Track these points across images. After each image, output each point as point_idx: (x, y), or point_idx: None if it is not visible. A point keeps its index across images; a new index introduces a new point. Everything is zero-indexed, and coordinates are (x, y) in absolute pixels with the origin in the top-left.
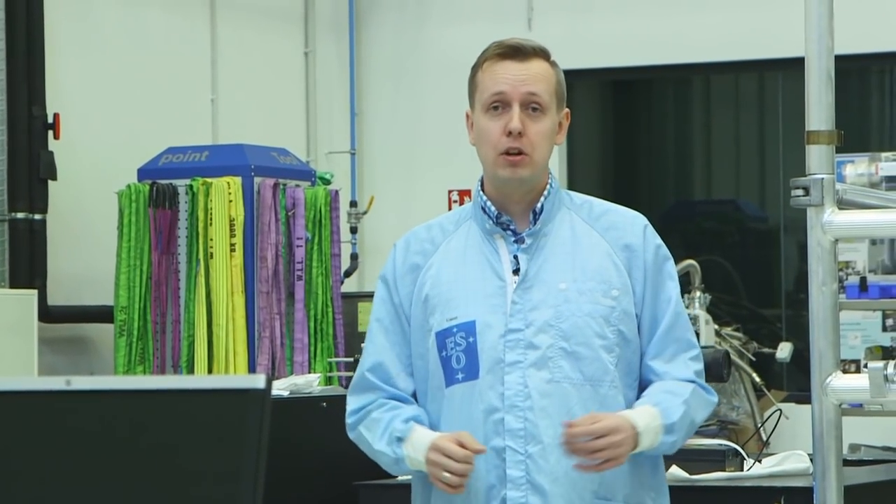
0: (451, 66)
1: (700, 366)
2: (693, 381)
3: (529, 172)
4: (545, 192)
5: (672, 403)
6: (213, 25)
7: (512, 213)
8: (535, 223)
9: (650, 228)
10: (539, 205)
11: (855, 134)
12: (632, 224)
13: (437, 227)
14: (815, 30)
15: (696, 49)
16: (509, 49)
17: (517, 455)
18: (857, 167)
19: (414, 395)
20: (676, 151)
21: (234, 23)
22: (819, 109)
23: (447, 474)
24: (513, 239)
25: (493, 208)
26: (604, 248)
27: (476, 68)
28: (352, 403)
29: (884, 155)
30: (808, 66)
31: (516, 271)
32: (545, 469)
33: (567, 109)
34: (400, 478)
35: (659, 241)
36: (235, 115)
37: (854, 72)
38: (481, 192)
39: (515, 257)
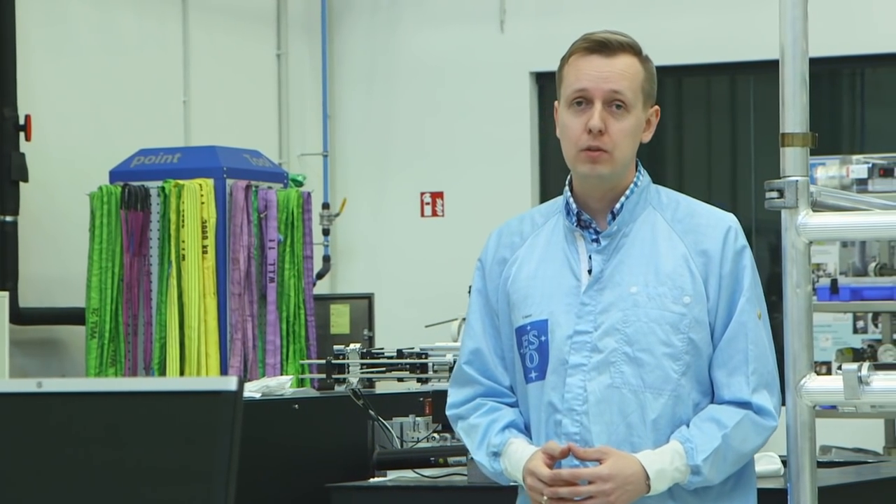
0: (423, 68)
1: (764, 380)
2: (748, 404)
3: (609, 170)
4: (627, 192)
5: (707, 438)
6: (186, 28)
7: (594, 210)
8: (612, 223)
9: (734, 233)
10: (619, 205)
11: (825, 136)
12: (714, 228)
13: (529, 220)
14: (790, 33)
15: (667, 52)
16: (596, 44)
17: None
18: (829, 170)
19: (511, 388)
20: (648, 154)
21: (206, 25)
22: (794, 112)
23: (545, 498)
24: (591, 238)
25: (574, 206)
26: (681, 251)
27: (563, 61)
28: (451, 396)
29: (854, 157)
30: (783, 68)
31: (591, 271)
32: None
33: (657, 106)
34: (371, 480)
35: (741, 246)
36: (207, 117)
37: (825, 74)
38: (568, 188)
39: (591, 257)
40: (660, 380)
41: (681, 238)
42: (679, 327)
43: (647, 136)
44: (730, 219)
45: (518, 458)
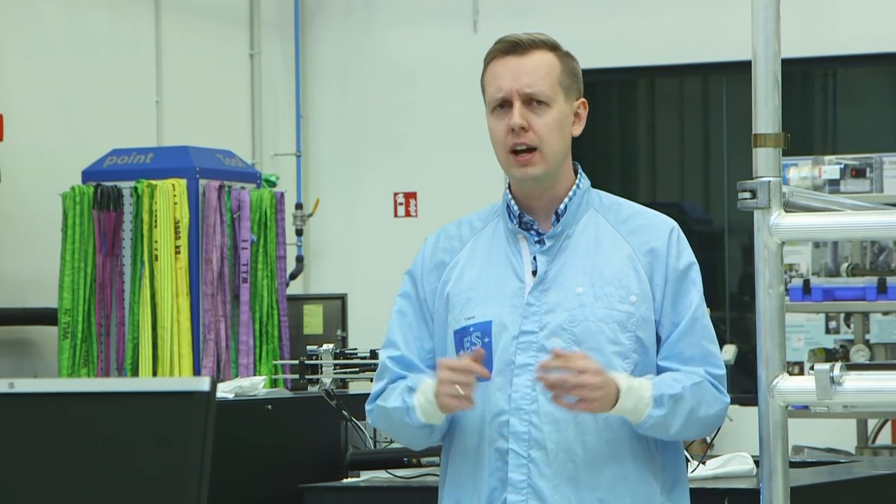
0: (396, 68)
1: (717, 372)
2: (705, 378)
3: (542, 169)
4: (570, 193)
5: (669, 383)
6: (158, 27)
7: (535, 212)
8: (557, 225)
9: (677, 233)
10: (562, 206)
11: (798, 137)
12: (658, 228)
13: (467, 224)
14: (762, 33)
15: (640, 52)
16: (508, 45)
17: (520, 458)
18: (801, 170)
19: None
20: (621, 154)
21: (179, 25)
22: (766, 112)
23: (457, 386)
24: (535, 240)
25: (516, 208)
26: (626, 252)
27: (483, 68)
28: (375, 388)
29: (826, 158)
30: (755, 69)
31: (535, 272)
32: (547, 474)
33: (583, 99)
34: (345, 480)
35: (685, 246)
36: (180, 117)
37: (797, 75)
38: (508, 191)
39: (535, 258)
40: None
41: (625, 239)
42: (626, 325)
43: (577, 130)
44: (671, 220)
45: (431, 383)
